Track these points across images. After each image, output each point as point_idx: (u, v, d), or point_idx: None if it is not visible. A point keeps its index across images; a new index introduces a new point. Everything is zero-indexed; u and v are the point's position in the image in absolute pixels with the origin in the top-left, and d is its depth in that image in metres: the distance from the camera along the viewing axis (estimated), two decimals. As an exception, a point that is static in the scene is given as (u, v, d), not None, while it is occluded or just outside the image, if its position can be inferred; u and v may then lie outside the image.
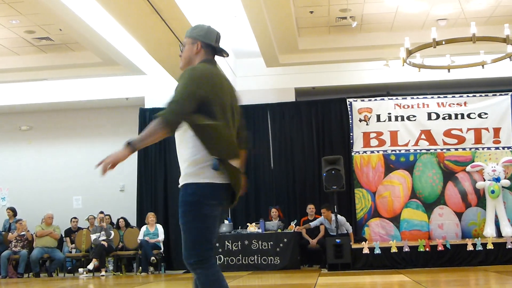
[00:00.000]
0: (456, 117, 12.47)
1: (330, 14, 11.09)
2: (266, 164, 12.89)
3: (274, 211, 12.14)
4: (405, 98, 12.66)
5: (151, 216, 12.38)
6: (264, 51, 11.75)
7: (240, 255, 11.31)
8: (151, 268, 12.05)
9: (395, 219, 12.21)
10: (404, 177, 12.35)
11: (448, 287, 7.73)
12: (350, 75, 13.29)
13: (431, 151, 12.40)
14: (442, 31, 10.41)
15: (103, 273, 11.87)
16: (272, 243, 11.31)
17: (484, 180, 11.89)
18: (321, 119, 13.19)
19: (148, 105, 13.45)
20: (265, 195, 12.86)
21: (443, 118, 12.48)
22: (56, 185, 14.09)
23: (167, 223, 12.91)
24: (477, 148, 12.32)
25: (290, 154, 13.07)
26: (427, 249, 10.38)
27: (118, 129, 14.08)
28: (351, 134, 12.62)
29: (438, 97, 12.59)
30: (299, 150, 13.05)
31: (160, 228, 12.40)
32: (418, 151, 12.43)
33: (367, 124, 12.61)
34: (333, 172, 11.22)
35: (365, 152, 12.51)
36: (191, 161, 3.03)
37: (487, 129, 12.36)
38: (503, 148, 12.29)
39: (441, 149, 12.38)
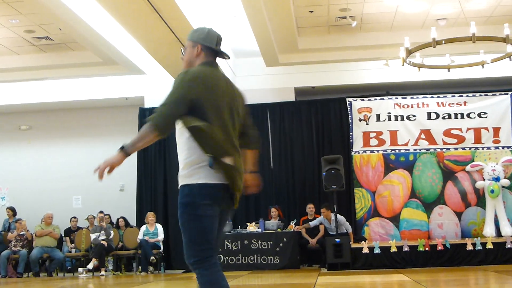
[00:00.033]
0: (455, 117, 12.47)
1: (330, 13, 11.09)
2: (265, 164, 12.89)
3: (273, 211, 12.14)
4: (405, 98, 12.66)
5: (150, 216, 12.38)
6: (263, 50, 11.75)
7: (240, 255, 11.31)
8: (151, 268, 12.05)
9: (395, 219, 12.21)
10: (403, 176, 12.35)
11: (447, 286, 7.73)
12: (350, 75, 13.28)
13: (430, 150, 12.40)
14: (442, 30, 10.42)
15: (102, 272, 11.87)
16: (271, 242, 11.31)
17: (484, 180, 11.89)
18: (320, 119, 13.20)
19: (147, 104, 13.44)
20: (265, 195, 12.84)
21: (443, 118, 12.48)
22: (56, 185, 14.09)
23: (167, 222, 12.91)
24: (476, 148, 12.32)
25: (290, 154, 13.08)
26: (427, 249, 10.39)
27: (118, 129, 14.07)
28: (351, 133, 12.62)
29: (438, 96, 12.59)
30: (299, 150, 13.05)
31: (159, 227, 12.40)
32: (418, 150, 12.43)
33: (366, 124, 12.61)
34: (332, 171, 11.23)
35: (364, 151, 12.51)
36: (185, 163, 3.08)
37: (486, 128, 12.37)
38: (503, 147, 12.29)
39: (441, 149, 12.38)
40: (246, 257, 11.29)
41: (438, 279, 8.39)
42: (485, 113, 12.41)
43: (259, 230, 11.62)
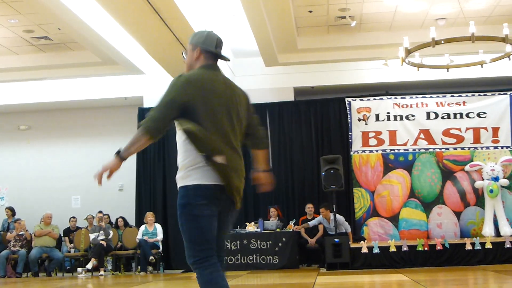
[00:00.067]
0: (455, 117, 12.48)
1: (329, 13, 11.09)
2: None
3: (273, 211, 12.14)
4: (404, 98, 12.66)
5: (149, 216, 12.38)
6: (263, 50, 11.75)
7: (239, 255, 11.31)
8: (150, 268, 12.05)
9: (394, 219, 12.21)
10: (403, 176, 12.35)
11: (446, 286, 7.73)
12: (349, 75, 13.28)
13: (430, 150, 12.40)
14: (441, 30, 10.42)
15: (102, 272, 11.86)
16: (271, 242, 11.31)
17: (483, 180, 11.89)
18: (320, 119, 13.20)
19: (147, 104, 13.43)
20: (264, 195, 12.82)
21: (442, 118, 12.49)
22: (55, 185, 14.09)
23: (166, 222, 12.91)
24: (476, 148, 12.32)
25: (289, 154, 13.08)
26: (426, 249, 10.39)
27: (117, 129, 14.07)
28: (350, 133, 12.62)
29: (437, 96, 12.59)
30: (298, 150, 13.05)
31: (159, 227, 12.40)
32: (417, 150, 12.43)
33: (366, 124, 12.61)
34: (332, 171, 11.23)
35: (364, 151, 12.52)
36: (181, 165, 3.14)
37: (486, 128, 12.37)
38: (502, 147, 12.30)
39: (440, 149, 12.38)
40: (245, 257, 11.29)
41: (437, 278, 8.40)
42: (484, 113, 12.41)
43: (258, 230, 11.62)
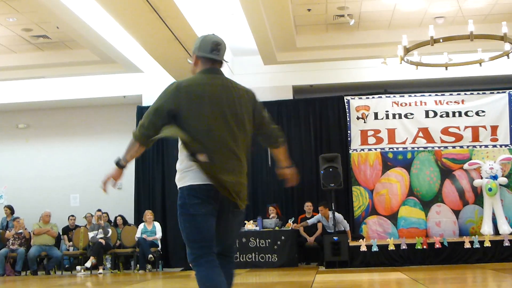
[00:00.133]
0: (453, 115, 12.48)
1: (327, 12, 11.09)
2: (263, 162, 12.88)
3: (271, 209, 12.14)
4: (403, 96, 12.66)
5: (148, 214, 12.38)
6: (261, 48, 11.74)
7: (238, 253, 11.30)
8: (149, 266, 12.05)
9: (393, 217, 12.22)
10: (401, 175, 12.36)
11: (445, 284, 7.73)
12: (348, 73, 13.29)
13: (428, 149, 12.40)
14: (440, 29, 10.41)
15: (100, 270, 11.86)
16: (269, 240, 11.31)
17: (482, 178, 11.90)
18: (318, 117, 13.20)
19: (145, 103, 13.43)
20: (263, 193, 12.86)
21: (441, 116, 12.49)
22: (54, 183, 14.08)
23: (165, 220, 12.92)
24: (474, 146, 12.33)
25: (288, 152, 13.02)
26: (425, 247, 10.40)
27: (116, 127, 14.07)
28: (349, 132, 12.62)
29: (436, 95, 12.60)
30: (297, 148, 13.05)
31: (157, 225, 12.40)
32: (416, 149, 12.43)
33: (364, 122, 12.61)
34: (330, 169, 11.23)
35: (362, 150, 12.52)
36: (178, 169, 3.30)
37: (484, 127, 12.37)
38: (501, 146, 12.30)
39: (439, 147, 12.39)
40: (244, 255, 11.29)
41: (436, 277, 8.40)
42: (483, 112, 12.41)
43: (257, 228, 11.62)
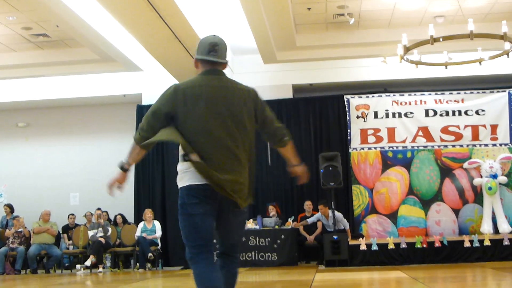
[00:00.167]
0: (453, 114, 12.48)
1: (327, 11, 11.08)
2: (263, 161, 12.88)
3: (271, 208, 12.14)
4: (403, 95, 12.66)
5: (148, 213, 12.38)
6: (261, 47, 11.74)
7: (238, 252, 11.29)
8: (149, 265, 12.05)
9: (392, 216, 12.22)
10: (401, 173, 12.36)
11: (445, 283, 7.74)
12: (348, 72, 13.28)
13: (428, 147, 12.40)
14: (440, 28, 10.41)
15: (100, 269, 11.86)
16: (269, 239, 11.32)
17: (481, 177, 11.90)
18: (318, 116, 13.20)
19: (145, 101, 13.42)
20: (263, 192, 12.85)
21: (441, 115, 12.49)
22: (54, 182, 14.08)
23: (165, 219, 12.92)
24: (474, 145, 12.33)
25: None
26: (424, 246, 10.41)
27: (115, 126, 14.08)
28: (349, 130, 12.62)
29: (436, 94, 12.60)
30: (297, 147, 12.60)
31: (157, 224, 12.40)
32: (416, 147, 12.43)
33: (364, 121, 12.61)
34: (330, 168, 11.23)
35: (362, 148, 12.52)
36: (178, 170, 3.36)
37: (484, 126, 12.37)
38: (500, 145, 12.30)
39: (439, 146, 12.39)
40: (243, 254, 11.29)
41: (435, 275, 8.40)
42: (483, 111, 12.41)
43: (257, 227, 11.62)
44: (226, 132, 3.27)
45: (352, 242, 10.74)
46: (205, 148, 3.23)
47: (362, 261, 10.43)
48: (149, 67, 12.67)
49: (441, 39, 8.76)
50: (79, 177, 13.93)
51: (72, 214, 13.53)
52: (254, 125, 3.43)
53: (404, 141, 12.47)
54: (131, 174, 12.54)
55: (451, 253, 10.37)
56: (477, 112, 12.42)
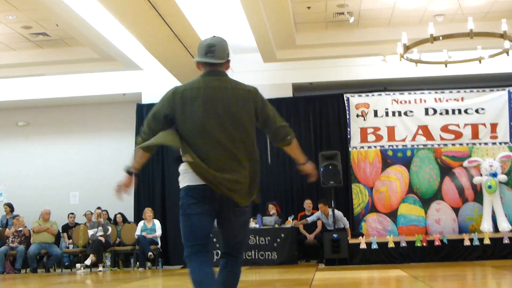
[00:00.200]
0: (453, 113, 12.48)
1: (327, 9, 11.08)
2: (263, 160, 12.87)
3: (271, 207, 12.14)
4: (403, 94, 12.67)
5: (148, 212, 12.38)
6: (261, 46, 11.74)
7: (238, 251, 11.29)
8: (149, 264, 12.06)
9: (392, 214, 12.23)
10: (401, 172, 12.37)
11: (445, 282, 7.74)
12: (348, 71, 13.28)
13: (428, 146, 12.41)
14: (440, 26, 10.39)
15: (100, 268, 11.87)
16: (269, 238, 11.32)
17: (481, 176, 11.91)
18: (318, 115, 13.20)
19: (145, 100, 13.42)
20: (262, 191, 12.73)
21: (440, 114, 12.50)
22: (53, 181, 14.09)
23: (165, 218, 12.92)
24: (474, 144, 12.34)
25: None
26: (424, 244, 10.42)
27: (115, 125, 14.08)
28: (349, 129, 12.62)
29: (436, 92, 12.60)
30: (297, 146, 13.00)
31: (157, 223, 12.41)
32: (415, 146, 12.44)
33: (364, 120, 12.62)
34: (330, 167, 11.24)
35: (362, 147, 12.53)
36: (179, 171, 3.40)
37: (484, 124, 12.38)
38: (500, 143, 12.31)
39: (438, 145, 12.39)
40: (243, 253, 11.28)
41: (435, 274, 8.41)
42: (483, 109, 12.42)
43: (257, 225, 11.62)
44: (224, 133, 3.29)
45: (352, 241, 10.74)
46: (204, 149, 3.26)
47: (362, 259, 10.44)
48: (149, 66, 12.66)
49: (441, 38, 8.76)
50: (79, 176, 13.94)
51: (72, 213, 13.53)
52: (254, 124, 3.45)
53: (404, 140, 12.47)
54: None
55: (451, 252, 10.38)
56: (477, 111, 12.42)
